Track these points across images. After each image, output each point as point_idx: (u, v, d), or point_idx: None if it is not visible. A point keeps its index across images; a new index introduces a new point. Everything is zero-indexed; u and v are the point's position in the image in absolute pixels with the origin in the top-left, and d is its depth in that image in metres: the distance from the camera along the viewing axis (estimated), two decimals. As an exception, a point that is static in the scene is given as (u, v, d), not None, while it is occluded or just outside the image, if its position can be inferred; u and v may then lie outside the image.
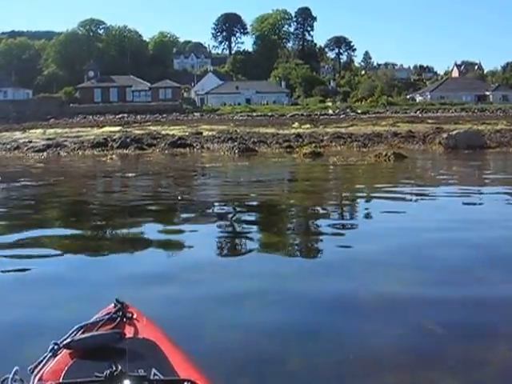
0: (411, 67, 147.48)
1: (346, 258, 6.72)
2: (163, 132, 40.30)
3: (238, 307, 4.98)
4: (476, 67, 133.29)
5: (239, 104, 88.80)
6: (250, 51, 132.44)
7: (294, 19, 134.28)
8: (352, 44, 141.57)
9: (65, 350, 2.54)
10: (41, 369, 2.47)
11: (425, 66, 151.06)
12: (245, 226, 9.10)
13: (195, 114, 75.74)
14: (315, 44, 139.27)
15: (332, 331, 4.43)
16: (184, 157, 25.34)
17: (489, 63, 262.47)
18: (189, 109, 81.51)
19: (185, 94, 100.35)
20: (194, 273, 6.16)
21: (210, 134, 37.73)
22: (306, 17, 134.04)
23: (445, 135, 26.78)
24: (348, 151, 25.44)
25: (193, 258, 6.89)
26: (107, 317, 2.82)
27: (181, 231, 8.65)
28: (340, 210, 10.98)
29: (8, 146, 31.39)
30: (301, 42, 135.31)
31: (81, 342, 2.55)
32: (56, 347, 2.57)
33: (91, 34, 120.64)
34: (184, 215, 10.43)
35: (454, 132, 26.71)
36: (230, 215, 10.21)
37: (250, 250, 7.30)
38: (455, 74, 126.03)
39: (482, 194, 12.37)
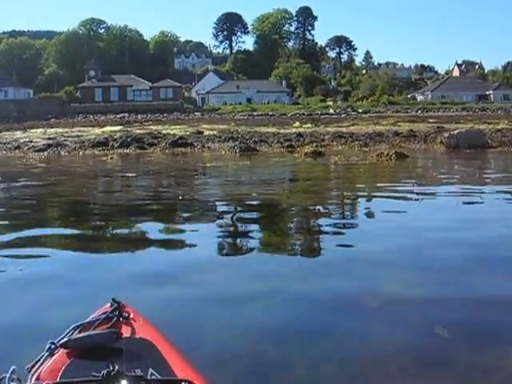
0: (412, 66, 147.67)
1: (347, 258, 6.71)
2: (164, 131, 40.26)
3: (239, 307, 4.96)
4: (477, 66, 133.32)
5: (240, 103, 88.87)
6: (250, 50, 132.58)
7: (295, 18, 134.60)
8: (353, 43, 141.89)
9: (62, 350, 2.54)
10: (38, 368, 2.47)
11: (426, 65, 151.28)
12: (246, 225, 9.07)
13: (196, 113, 75.85)
14: (316, 43, 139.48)
15: (333, 332, 4.41)
16: (185, 156, 25.31)
17: (489, 62, 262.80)
18: (190, 108, 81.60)
19: (186, 94, 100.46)
20: (194, 272, 6.14)
21: (211, 133, 37.69)
22: (306, 16, 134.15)
23: (446, 134, 26.71)
24: (349, 150, 25.41)
25: (193, 258, 6.87)
26: (103, 316, 2.81)
27: (182, 231, 8.64)
28: (341, 210, 10.96)
29: (9, 146, 31.37)
30: (302, 42, 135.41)
31: (78, 341, 2.55)
32: (53, 346, 2.57)
33: (92, 33, 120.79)
34: (185, 215, 10.40)
35: (456, 131, 26.64)
36: (231, 215, 10.18)
37: (251, 250, 7.29)
38: (456, 73, 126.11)
39: (483, 193, 12.33)
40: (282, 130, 39.65)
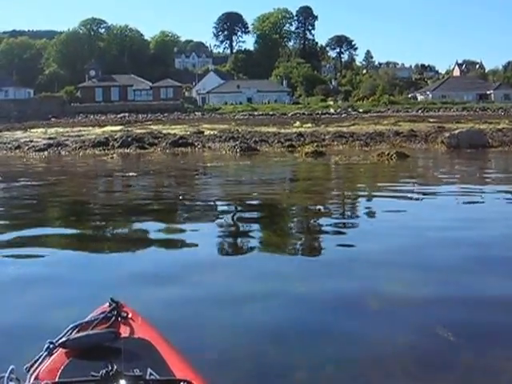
0: (412, 66, 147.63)
1: (348, 257, 6.70)
2: (164, 131, 40.20)
3: (239, 307, 4.96)
4: (477, 66, 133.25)
5: (240, 103, 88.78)
6: (251, 50, 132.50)
7: (296, 18, 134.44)
8: (353, 43, 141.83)
9: (60, 349, 2.53)
10: (37, 368, 2.47)
11: (426, 65, 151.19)
12: (246, 225, 9.07)
13: (196, 113, 75.76)
14: (316, 43, 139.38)
15: (333, 332, 4.40)
16: (185, 156, 25.31)
17: (490, 62, 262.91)
18: (190, 108, 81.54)
19: (186, 93, 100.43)
20: (194, 272, 6.14)
21: (212, 133, 37.67)
22: (307, 16, 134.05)
23: (447, 134, 26.71)
24: (350, 150, 25.40)
25: (194, 258, 6.86)
26: (102, 316, 2.80)
27: (182, 230, 8.63)
28: (342, 209, 10.95)
29: (9, 146, 31.35)
30: (302, 41, 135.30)
31: (76, 341, 2.54)
32: (51, 346, 2.56)
33: (92, 33, 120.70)
34: (185, 214, 10.41)
35: (457, 131, 26.64)
36: (231, 214, 10.19)
37: (252, 250, 7.29)
38: (456, 72, 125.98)
39: (484, 193, 12.33)
40: (282, 130, 39.63)
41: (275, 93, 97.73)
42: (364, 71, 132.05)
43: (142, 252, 7.29)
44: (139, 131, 40.90)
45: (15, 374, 2.34)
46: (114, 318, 2.78)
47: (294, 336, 4.30)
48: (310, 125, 46.73)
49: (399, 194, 11.85)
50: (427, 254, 6.77)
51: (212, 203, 11.70)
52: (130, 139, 30.39)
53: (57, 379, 2.33)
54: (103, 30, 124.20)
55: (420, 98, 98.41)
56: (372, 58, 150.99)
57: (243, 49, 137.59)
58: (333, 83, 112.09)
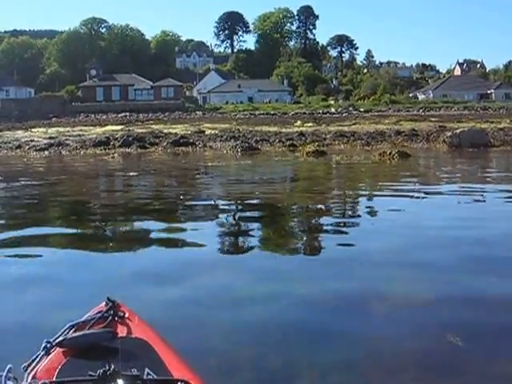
0: (413, 65, 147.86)
1: (350, 257, 6.69)
2: (165, 131, 40.18)
3: (239, 306, 4.95)
4: (478, 65, 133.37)
5: (241, 102, 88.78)
6: (252, 50, 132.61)
7: (296, 18, 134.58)
8: (354, 42, 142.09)
9: (58, 349, 2.53)
10: (34, 367, 2.46)
11: (427, 64, 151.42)
12: (247, 224, 9.06)
13: (197, 112, 75.76)
14: (317, 42, 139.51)
15: (335, 332, 4.37)
16: (186, 155, 25.27)
17: (491, 61, 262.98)
18: (191, 107, 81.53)
19: (187, 93, 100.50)
20: (195, 271, 6.13)
21: (213, 132, 37.65)
22: (308, 15, 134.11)
23: (449, 133, 26.65)
24: (351, 150, 25.37)
25: (195, 257, 6.84)
26: (99, 315, 2.80)
27: (183, 230, 8.61)
28: (344, 209, 10.93)
29: (10, 145, 31.29)
30: (303, 41, 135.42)
31: (73, 340, 2.55)
32: (49, 345, 2.56)
33: (93, 32, 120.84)
34: (186, 214, 10.39)
35: (458, 130, 26.57)
36: (232, 214, 10.17)
37: (253, 249, 7.26)
38: (457, 72, 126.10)
39: (486, 192, 12.29)
40: (283, 129, 39.60)
41: (276, 92, 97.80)
42: (365, 70, 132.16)
43: (143, 251, 7.27)
44: (140, 131, 40.89)
45: (13, 373, 2.34)
46: (110, 317, 2.78)
47: (295, 336, 4.28)
48: (311, 124, 46.74)
49: (401, 193, 11.83)
50: (429, 254, 6.73)
51: (213, 202, 11.67)
52: (130, 139, 30.35)
53: (54, 378, 2.33)
54: (104, 29, 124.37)
55: (421, 97, 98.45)
56: (373, 57, 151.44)
57: (244, 48, 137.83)
58: (334, 82, 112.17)
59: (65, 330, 2.71)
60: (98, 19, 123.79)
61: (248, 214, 10.29)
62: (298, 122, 48.71)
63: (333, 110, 75.87)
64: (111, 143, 29.47)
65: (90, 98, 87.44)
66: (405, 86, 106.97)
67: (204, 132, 38.49)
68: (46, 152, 27.82)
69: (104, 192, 14.56)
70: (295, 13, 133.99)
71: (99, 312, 2.83)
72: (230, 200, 12.13)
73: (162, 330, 2.86)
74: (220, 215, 9.94)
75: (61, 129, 49.23)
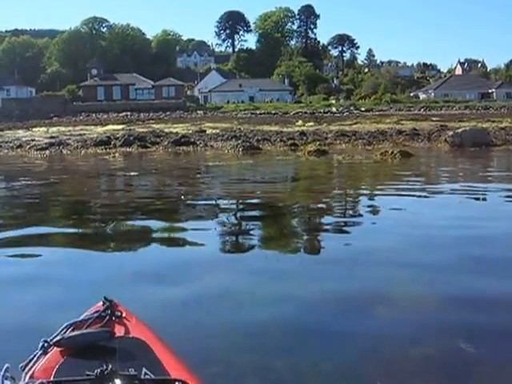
0: (414, 65, 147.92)
1: (351, 256, 6.69)
2: (166, 130, 40.12)
3: (239, 306, 4.95)
4: (479, 65, 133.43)
5: (242, 102, 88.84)
6: (253, 49, 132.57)
7: (297, 17, 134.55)
8: (355, 42, 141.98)
9: (55, 348, 2.53)
10: (32, 366, 2.46)
11: (428, 63, 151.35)
12: (249, 223, 9.07)
13: (198, 111, 75.79)
14: (318, 42, 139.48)
15: (336, 333, 4.36)
16: (187, 155, 25.24)
17: (492, 61, 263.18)
18: (192, 107, 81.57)
19: (188, 92, 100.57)
20: (196, 271, 6.12)
21: (214, 132, 37.58)
22: (309, 14, 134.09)
23: (450, 133, 26.57)
24: (353, 149, 25.32)
25: (196, 256, 6.84)
26: (96, 315, 2.79)
27: (184, 229, 8.61)
28: (345, 208, 10.91)
29: (11, 145, 31.22)
30: (304, 40, 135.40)
31: (71, 339, 2.55)
32: (46, 345, 2.56)
33: (94, 32, 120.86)
34: (187, 213, 10.39)
35: (460, 130, 26.49)
36: (233, 213, 10.17)
37: (255, 249, 7.26)
38: (458, 71, 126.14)
39: (489, 191, 12.26)
40: (284, 129, 39.53)
41: (277, 91, 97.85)
42: (366, 70, 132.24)
43: (143, 251, 7.26)
44: (141, 130, 40.82)
45: (10, 372, 2.34)
46: (108, 317, 2.78)
47: (295, 337, 4.26)
48: (312, 123, 46.67)
49: (403, 193, 11.81)
50: (431, 253, 6.73)
51: (214, 202, 11.64)
52: (131, 138, 30.27)
53: (52, 378, 2.33)
54: (105, 28, 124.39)
55: (422, 96, 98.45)
56: (374, 56, 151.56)
57: (245, 48, 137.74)
58: (335, 82, 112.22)
59: (62, 330, 2.70)
60: (98, 19, 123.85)
61: (249, 213, 10.30)
62: (299, 122, 48.64)
63: (334, 109, 75.85)
64: (112, 143, 29.38)
65: (91, 98, 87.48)
66: (406, 85, 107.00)
67: (205, 131, 38.41)
68: (47, 151, 27.76)
69: (105, 191, 14.55)
70: (296, 12, 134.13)
71: (96, 311, 2.83)
72: (231, 199, 12.11)
73: (161, 330, 2.85)
74: (221, 215, 9.93)
75: (62, 128, 49.21)
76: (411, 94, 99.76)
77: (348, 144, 27.82)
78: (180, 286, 5.52)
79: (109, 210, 10.64)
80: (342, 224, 8.86)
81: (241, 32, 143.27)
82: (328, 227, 8.60)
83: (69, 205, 11.85)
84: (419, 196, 11.47)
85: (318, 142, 26.47)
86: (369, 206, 10.72)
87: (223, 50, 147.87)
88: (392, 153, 20.09)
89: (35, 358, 2.52)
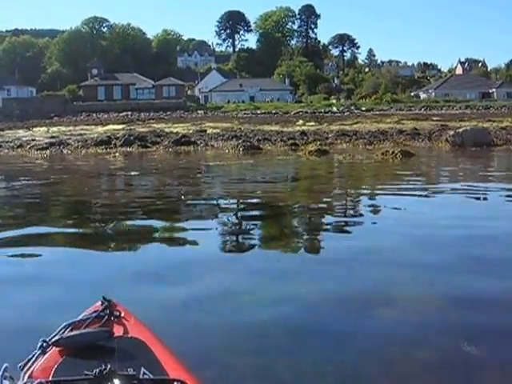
0: (415, 64, 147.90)
1: (351, 256, 6.66)
2: (167, 130, 40.12)
3: (240, 306, 4.94)
4: (480, 64, 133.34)
5: (243, 101, 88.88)
6: (253, 49, 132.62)
7: (298, 17, 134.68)
8: (356, 41, 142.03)
9: (54, 348, 2.54)
10: (30, 366, 2.47)
11: (429, 63, 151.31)
12: (249, 223, 9.06)
13: (199, 111, 75.83)
14: (319, 41, 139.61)
15: (336, 332, 4.35)
16: (188, 155, 25.22)
17: (492, 60, 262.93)
18: (193, 106, 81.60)
19: (188, 92, 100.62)
20: (196, 271, 6.11)
21: (214, 131, 37.56)
22: (309, 14, 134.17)
23: (451, 132, 26.53)
24: (354, 149, 25.30)
25: (196, 256, 6.83)
26: (95, 314, 2.79)
27: (184, 229, 8.60)
28: (346, 208, 10.87)
29: (11, 144, 31.22)
30: (304, 40, 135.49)
31: (69, 339, 2.55)
32: (45, 345, 2.57)
33: (95, 31, 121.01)
34: (187, 213, 10.38)
35: (461, 129, 26.44)
36: (234, 213, 10.16)
37: (255, 248, 7.24)
38: (459, 71, 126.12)
39: (490, 191, 12.23)
40: (285, 129, 39.51)
41: (278, 91, 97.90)
42: (366, 69, 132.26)
43: (144, 251, 7.25)
44: (142, 130, 40.80)
45: (9, 372, 2.34)
46: (106, 316, 2.78)
47: (296, 337, 4.25)
48: (312, 123, 46.64)
49: (404, 192, 11.80)
50: (432, 253, 6.71)
51: (215, 202, 11.64)
52: (132, 138, 30.25)
53: (50, 378, 2.33)
54: (105, 28, 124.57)
55: (423, 96, 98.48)
56: (374, 56, 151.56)
57: (246, 47, 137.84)
58: (335, 81, 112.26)
59: (61, 329, 2.70)
60: (99, 18, 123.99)
61: (249, 213, 10.28)
62: (300, 121, 48.62)
63: (334, 109, 75.84)
64: (112, 142, 29.37)
65: (92, 97, 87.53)
66: (406, 85, 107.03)
67: (205, 131, 38.39)
68: (47, 151, 27.75)
69: (105, 191, 14.53)
70: (297, 12, 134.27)
71: (95, 311, 2.83)
72: (232, 199, 12.10)
73: (162, 330, 2.85)
74: (221, 214, 9.93)
75: (62, 128, 49.21)
76: (412, 94, 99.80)
77: (349, 144, 27.80)
78: (180, 286, 5.51)
79: (109, 210, 10.62)
80: (343, 224, 8.85)
81: (241, 32, 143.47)
82: (328, 227, 8.59)
83: (69, 204, 11.84)
84: (420, 196, 11.47)
85: (318, 142, 26.45)
86: (369, 206, 10.70)
87: (224, 49, 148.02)
88: (393, 152, 20.06)
89: (34, 358, 2.52)
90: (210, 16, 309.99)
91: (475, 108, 73.57)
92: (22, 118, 66.77)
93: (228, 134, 32.97)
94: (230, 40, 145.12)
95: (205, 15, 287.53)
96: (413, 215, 9.41)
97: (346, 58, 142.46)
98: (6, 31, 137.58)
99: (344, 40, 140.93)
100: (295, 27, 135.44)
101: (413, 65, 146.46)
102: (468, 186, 12.93)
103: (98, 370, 2.20)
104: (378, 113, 65.87)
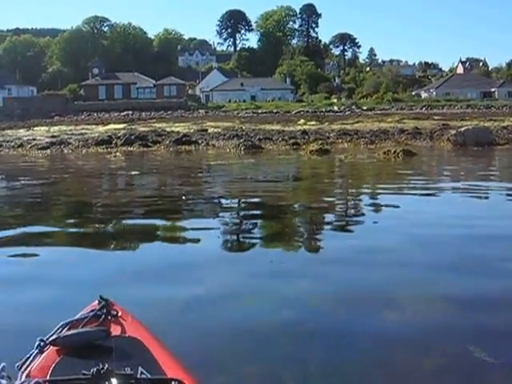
0: (416, 64, 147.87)
1: (353, 256, 6.66)
2: (168, 129, 40.13)
3: (240, 306, 4.93)
4: (481, 64, 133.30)
5: (244, 101, 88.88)
6: (254, 48, 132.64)
7: (299, 16, 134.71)
8: (357, 41, 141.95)
9: (51, 347, 2.54)
10: (28, 365, 2.47)
11: (430, 62, 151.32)
12: (251, 222, 9.05)
13: (200, 110, 75.82)
14: (320, 41, 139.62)
15: (338, 332, 4.34)
16: (189, 154, 25.21)
17: (493, 60, 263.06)
18: (194, 106, 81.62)
19: (190, 91, 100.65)
20: (197, 271, 6.09)
21: (215, 131, 37.57)
22: (310, 13, 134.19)
23: (453, 132, 26.51)
24: (355, 148, 25.29)
25: (196, 256, 6.81)
26: (92, 314, 2.79)
27: (185, 228, 8.58)
28: (347, 207, 10.87)
29: (12, 144, 31.21)
30: (305, 39, 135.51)
31: (67, 339, 2.55)
32: (42, 344, 2.56)
33: (96, 31, 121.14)
34: (189, 212, 10.37)
35: (463, 129, 26.41)
36: (235, 212, 10.17)
37: (256, 247, 7.22)
38: (460, 70, 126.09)
39: (492, 190, 12.23)
40: (286, 128, 39.50)
41: (279, 90, 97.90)
42: (367, 69, 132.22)
43: (144, 250, 7.25)
44: (142, 129, 40.80)
45: (6, 371, 2.33)
46: (103, 316, 2.77)
47: (297, 337, 4.23)
48: (314, 122, 46.65)
49: (405, 192, 11.83)
50: (432, 253, 6.71)
51: (216, 201, 11.64)
52: (133, 137, 30.24)
53: (48, 377, 2.33)
54: (106, 28, 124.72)
55: (424, 95, 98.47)
56: (375, 55, 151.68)
57: (247, 47, 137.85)
58: (336, 81, 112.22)
59: (58, 329, 2.70)
60: (100, 18, 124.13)
61: (251, 212, 10.26)
62: (301, 121, 48.65)
63: (335, 108, 75.86)
64: (113, 142, 29.36)
65: (93, 97, 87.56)
66: (407, 84, 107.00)
67: (207, 130, 38.40)
68: (48, 151, 27.76)
69: (106, 191, 14.52)
70: (298, 11, 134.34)
71: (92, 310, 2.83)
72: (233, 198, 12.10)
73: (162, 331, 2.87)
74: (223, 214, 9.92)
75: (63, 127, 49.23)
76: (413, 93, 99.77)
77: (350, 143, 27.79)
78: (181, 286, 5.49)
79: (110, 210, 10.61)
80: (344, 223, 8.85)
81: (242, 31, 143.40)
82: (330, 226, 8.60)
83: (70, 204, 11.83)
84: (422, 195, 11.45)
85: (319, 141, 26.45)
86: (371, 205, 10.68)
87: (225, 49, 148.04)
88: (395, 152, 20.03)
89: (31, 357, 2.52)
90: (211, 15, 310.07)
91: (476, 107, 73.54)
92: (22, 117, 66.78)
93: (229, 134, 32.96)
94: (231, 39, 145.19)
95: (206, 14, 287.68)
96: (414, 214, 9.38)
97: (347, 57, 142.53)
98: (7, 30, 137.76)
99: (345, 39, 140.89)
100: (296, 26, 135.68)
101: (414, 64, 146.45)
102: (469, 185, 12.91)
103: (95, 369, 2.20)
104: (379, 112, 65.86)
